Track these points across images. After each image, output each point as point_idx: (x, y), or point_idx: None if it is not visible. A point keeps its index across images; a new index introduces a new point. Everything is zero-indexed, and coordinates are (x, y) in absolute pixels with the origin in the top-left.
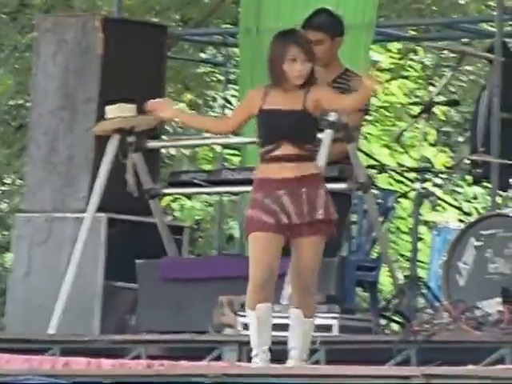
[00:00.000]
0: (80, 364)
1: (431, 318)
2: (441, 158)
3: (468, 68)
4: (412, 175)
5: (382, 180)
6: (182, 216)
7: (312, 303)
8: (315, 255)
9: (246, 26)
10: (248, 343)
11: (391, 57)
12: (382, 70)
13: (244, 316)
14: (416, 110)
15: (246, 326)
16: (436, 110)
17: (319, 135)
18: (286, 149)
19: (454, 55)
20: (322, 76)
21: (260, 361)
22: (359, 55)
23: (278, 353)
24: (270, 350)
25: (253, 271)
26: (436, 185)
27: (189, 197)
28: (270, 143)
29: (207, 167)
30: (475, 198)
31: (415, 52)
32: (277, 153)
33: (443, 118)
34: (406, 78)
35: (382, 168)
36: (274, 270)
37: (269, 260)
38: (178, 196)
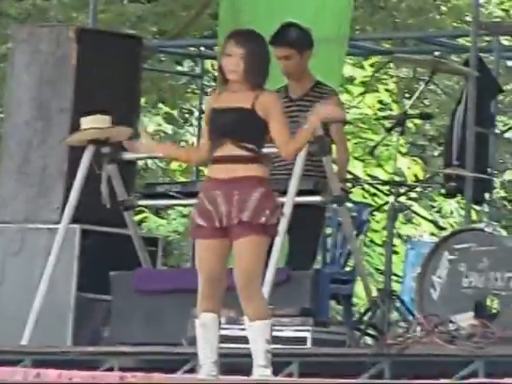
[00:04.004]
0: (51, 376)
1: (405, 332)
2: (413, 170)
3: (443, 82)
4: (386, 188)
5: (357, 193)
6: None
7: (254, 306)
8: (248, 257)
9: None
10: (223, 356)
11: (366, 69)
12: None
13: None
14: (390, 123)
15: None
16: (410, 123)
17: None
18: (228, 148)
19: (428, 68)
20: (294, 90)
21: (204, 373)
22: (333, 68)
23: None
24: (217, 363)
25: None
26: (411, 198)
27: (161, 216)
28: (214, 142)
29: (181, 179)
30: (451, 212)
31: (390, 65)
32: (219, 153)
33: (416, 131)
34: (379, 91)
35: (356, 181)
36: (215, 277)
37: (209, 268)
38: (149, 214)
